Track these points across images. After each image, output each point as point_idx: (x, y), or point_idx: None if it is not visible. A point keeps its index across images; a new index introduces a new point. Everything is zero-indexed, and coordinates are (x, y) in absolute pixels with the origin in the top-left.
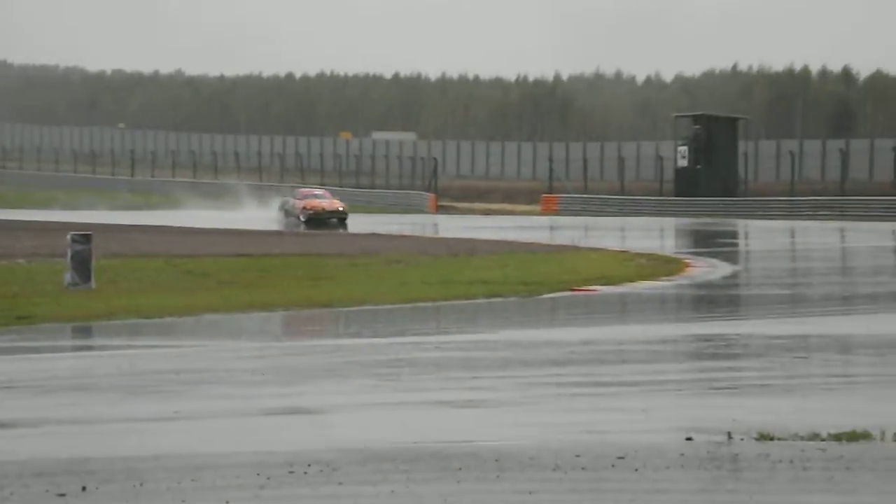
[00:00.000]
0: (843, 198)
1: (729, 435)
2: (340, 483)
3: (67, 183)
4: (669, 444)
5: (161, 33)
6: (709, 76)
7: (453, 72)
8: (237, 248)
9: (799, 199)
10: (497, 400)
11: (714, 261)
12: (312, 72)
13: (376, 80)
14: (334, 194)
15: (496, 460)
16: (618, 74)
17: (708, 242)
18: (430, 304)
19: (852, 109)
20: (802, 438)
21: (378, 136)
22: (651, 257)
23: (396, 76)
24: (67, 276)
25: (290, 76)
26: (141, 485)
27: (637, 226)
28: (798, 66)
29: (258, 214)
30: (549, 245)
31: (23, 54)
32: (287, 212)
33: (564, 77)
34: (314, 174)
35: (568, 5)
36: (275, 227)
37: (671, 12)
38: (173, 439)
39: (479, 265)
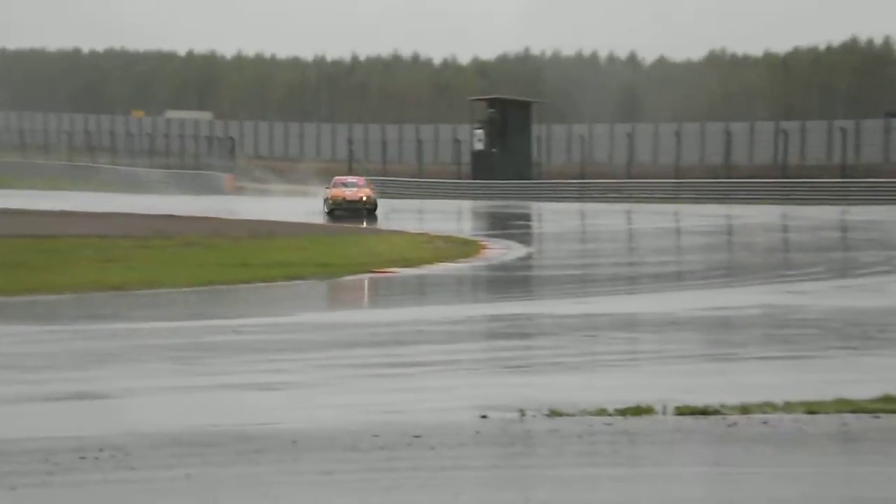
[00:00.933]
0: (629, 181)
1: (522, 412)
2: (133, 468)
3: None
4: (465, 422)
5: None
6: (503, 60)
7: (249, 50)
8: (22, 228)
9: (589, 181)
10: (296, 382)
11: (509, 243)
12: (101, 47)
13: (169, 57)
14: (368, 182)
15: (294, 442)
16: (415, 57)
17: (503, 224)
18: (227, 287)
19: (638, 94)
20: (590, 414)
21: (172, 114)
22: (449, 239)
23: (190, 53)
24: None
25: (77, 51)
26: None
27: (435, 208)
28: (587, 52)
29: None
30: (348, 227)
31: None
32: (324, 202)
33: (362, 58)
34: (105, 153)
35: None
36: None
37: None
38: None
39: (278, 247)
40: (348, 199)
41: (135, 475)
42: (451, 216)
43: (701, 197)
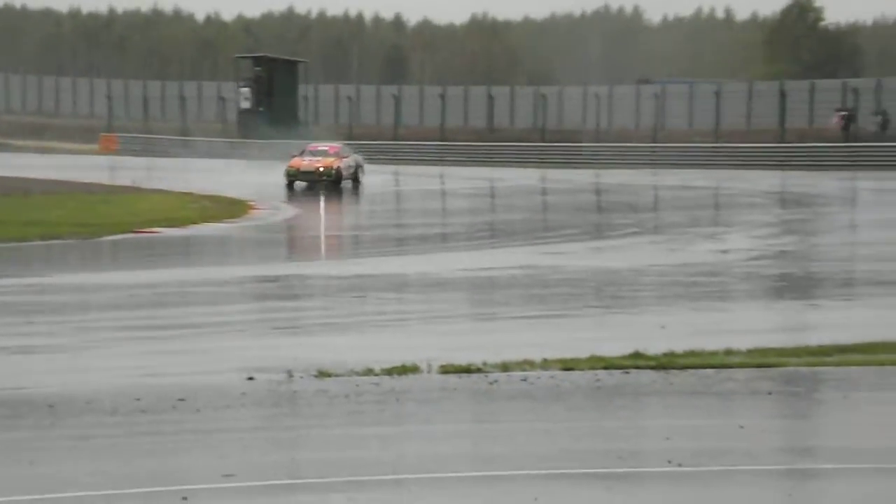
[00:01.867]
0: (396, 143)
1: (289, 373)
2: None
3: None
4: (231, 384)
5: None
6: (268, 18)
7: None
8: None
9: (358, 143)
10: (53, 345)
11: (277, 203)
12: None
13: None
14: (347, 150)
15: (51, 406)
16: (176, 11)
17: (268, 183)
18: None
19: (403, 56)
20: (358, 374)
21: None
22: (215, 199)
23: None
24: None
25: None
26: None
27: (200, 167)
28: (353, 13)
29: None
30: (109, 186)
31: None
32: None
33: (120, 11)
34: None
35: None
36: None
37: None
38: None
39: (34, 206)
40: (303, 169)
41: None
42: (217, 175)
43: (465, 160)
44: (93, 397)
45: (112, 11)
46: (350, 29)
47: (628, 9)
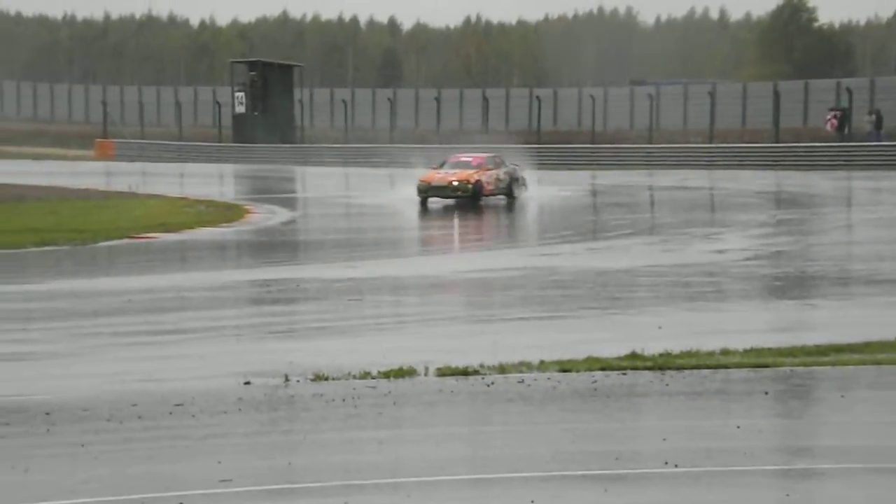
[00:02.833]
0: (391, 146)
1: (286, 377)
2: None
3: None
4: (228, 389)
5: None
6: (262, 22)
7: None
8: None
9: (352, 146)
10: (48, 352)
11: (273, 207)
12: None
13: None
14: (495, 161)
15: (47, 414)
16: (171, 17)
17: (267, 189)
18: None
19: (398, 59)
20: (355, 377)
21: None
22: (211, 204)
23: None
24: None
25: None
26: None
27: (196, 172)
28: (347, 16)
29: None
30: (105, 192)
31: None
32: None
33: (114, 17)
34: None
35: None
36: None
37: None
38: None
39: (28, 212)
40: (435, 183)
41: None
42: (213, 180)
43: None
44: (89, 404)
45: (107, 17)
46: (345, 33)
47: (622, 10)
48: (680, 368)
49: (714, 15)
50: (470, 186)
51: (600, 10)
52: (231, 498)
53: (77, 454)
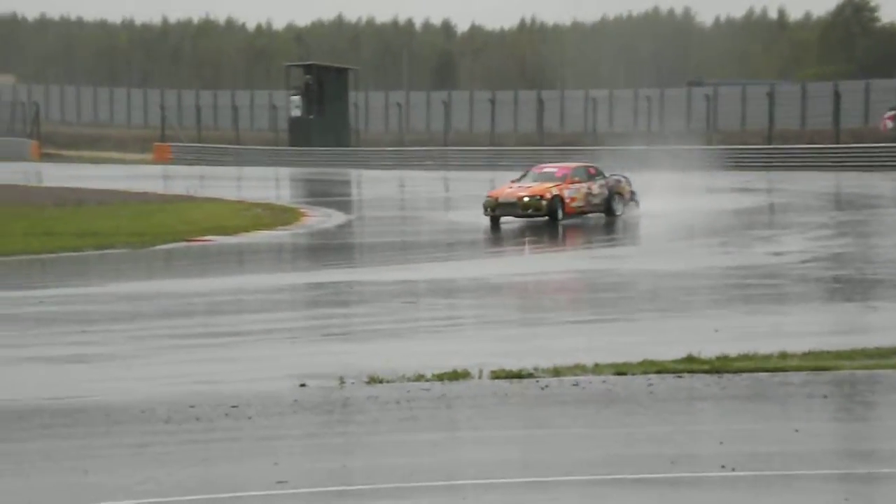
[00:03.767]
0: (446, 148)
1: (341, 380)
2: None
3: None
4: (283, 391)
5: None
6: (318, 26)
7: (54, 12)
8: None
9: (406, 149)
10: (107, 354)
11: (328, 210)
12: None
13: None
14: (589, 172)
15: (106, 415)
16: (229, 21)
17: (322, 192)
18: (33, 258)
19: (453, 62)
20: (409, 380)
21: None
22: (267, 207)
23: None
24: None
25: None
26: None
27: (253, 176)
28: (402, 19)
29: None
30: (162, 195)
31: None
32: None
33: (172, 21)
34: None
35: None
36: None
37: None
38: None
39: (88, 216)
40: (502, 200)
41: None
42: (269, 183)
43: (515, 164)
44: (147, 405)
45: (165, 22)
46: (399, 35)
47: (679, 11)
48: (737, 371)
49: (773, 15)
50: (544, 203)
51: (656, 10)
52: (287, 499)
53: (135, 455)
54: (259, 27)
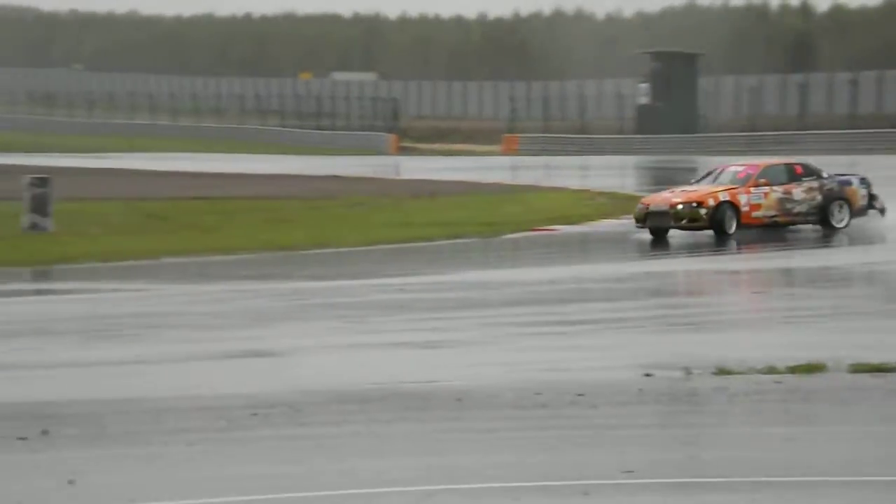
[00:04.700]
0: (802, 132)
1: (687, 370)
2: (303, 424)
3: (26, 126)
4: (629, 380)
5: None
6: (668, 12)
7: (413, 10)
8: (197, 191)
9: (758, 134)
10: (458, 340)
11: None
12: (270, 12)
13: (335, 19)
14: (792, 170)
15: (458, 400)
16: (578, 12)
17: (668, 180)
18: (391, 247)
19: (811, 43)
20: (759, 372)
21: (338, 76)
22: (612, 196)
23: (356, 15)
24: (25, 220)
25: (247, 16)
26: (103, 428)
27: (598, 164)
28: (756, 1)
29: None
30: (510, 185)
31: None
32: None
33: (524, 14)
34: (274, 116)
35: None
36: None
37: None
38: (133, 383)
39: (440, 206)
40: (653, 208)
41: (305, 431)
42: (614, 172)
43: (875, 147)
44: (496, 391)
45: (516, 15)
46: (753, 18)
47: None
48: None
49: None
50: (703, 212)
51: None
52: (635, 490)
53: (486, 440)
54: (608, 16)
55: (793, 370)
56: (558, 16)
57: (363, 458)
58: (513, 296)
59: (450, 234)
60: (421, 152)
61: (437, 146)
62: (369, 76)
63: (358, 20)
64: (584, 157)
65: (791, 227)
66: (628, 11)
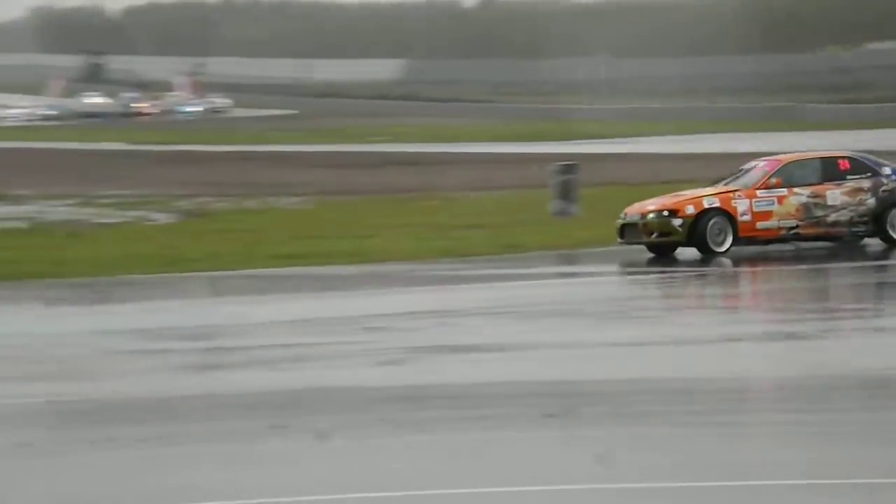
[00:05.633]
0: None
1: None
2: (820, 410)
3: (555, 115)
4: None
5: None
6: None
7: None
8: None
9: None
10: None
11: None
12: None
13: None
14: (833, 166)
15: None
16: None
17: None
18: None
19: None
20: None
21: (873, 46)
22: None
23: None
24: (552, 205)
25: None
26: (626, 406)
27: None
28: None
29: None
30: None
31: None
32: None
33: None
34: (800, 91)
35: None
36: None
37: None
38: (650, 364)
39: None
40: (628, 220)
41: (812, 418)
42: None
43: None
44: None
45: None
46: None
47: None
48: None
49: None
50: (678, 223)
51: None
52: None
53: None
54: None
55: None
56: None
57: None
58: None
59: None
60: None
61: None
62: None
63: None
64: None
65: (831, 240)
66: None
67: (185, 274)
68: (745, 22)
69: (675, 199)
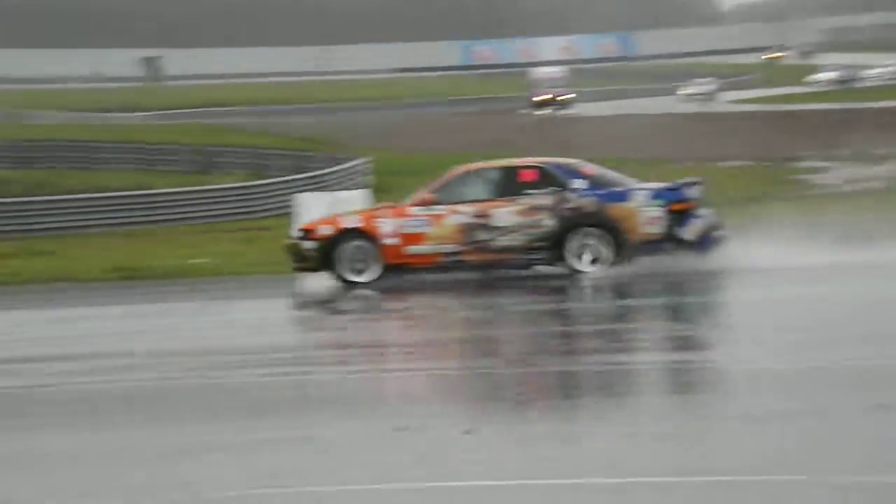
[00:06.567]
0: None
1: None
2: None
3: None
4: None
5: None
6: None
7: None
8: None
9: None
10: None
11: None
12: None
13: None
14: (459, 186)
15: None
16: None
17: None
18: None
19: None
20: None
21: None
22: None
23: None
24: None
25: None
26: None
27: None
28: None
29: None
30: None
31: None
32: None
33: None
34: None
35: None
36: None
37: None
38: None
39: None
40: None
41: None
42: None
43: None
44: None
45: None
46: None
47: None
48: None
49: None
50: (310, 246)
51: None
52: None
53: None
54: None
55: None
56: None
57: None
58: None
59: None
60: None
61: None
62: None
63: None
64: None
65: (503, 268)
66: None
67: None
68: None
69: (319, 220)
